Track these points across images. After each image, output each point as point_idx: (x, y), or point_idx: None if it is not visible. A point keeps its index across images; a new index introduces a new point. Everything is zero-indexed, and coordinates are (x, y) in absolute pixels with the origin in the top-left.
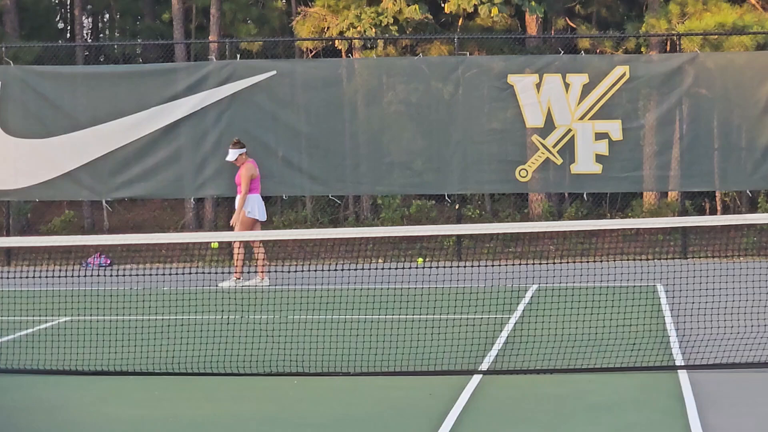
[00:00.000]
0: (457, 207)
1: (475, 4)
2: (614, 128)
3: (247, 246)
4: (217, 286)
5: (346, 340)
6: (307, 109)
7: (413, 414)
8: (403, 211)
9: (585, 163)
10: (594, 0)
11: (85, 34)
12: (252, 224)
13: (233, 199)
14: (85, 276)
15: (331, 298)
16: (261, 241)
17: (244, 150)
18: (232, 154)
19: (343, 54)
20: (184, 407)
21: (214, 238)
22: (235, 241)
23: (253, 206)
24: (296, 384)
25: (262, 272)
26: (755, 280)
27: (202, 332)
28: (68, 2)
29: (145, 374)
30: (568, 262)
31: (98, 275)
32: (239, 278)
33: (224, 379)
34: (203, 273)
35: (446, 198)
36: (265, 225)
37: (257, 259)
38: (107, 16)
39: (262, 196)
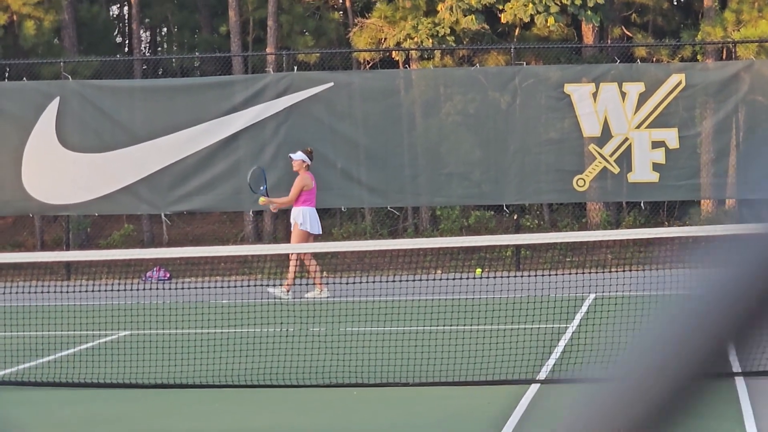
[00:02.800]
0: (515, 217)
1: (531, 14)
2: (671, 136)
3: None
4: (266, 290)
5: (404, 351)
6: (365, 120)
7: (471, 423)
8: (461, 222)
9: (642, 172)
10: (650, 8)
11: (143, 48)
12: (306, 237)
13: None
14: (144, 290)
15: (390, 310)
16: (312, 254)
17: (309, 161)
18: (298, 155)
19: (401, 65)
20: (245, 420)
21: (271, 250)
22: (292, 254)
23: (305, 219)
24: (356, 395)
25: (320, 284)
26: None
27: (261, 345)
28: (126, 16)
29: (206, 387)
30: (625, 271)
31: (158, 289)
32: (289, 290)
33: (284, 391)
34: (262, 286)
35: (504, 208)
36: (324, 237)
37: (311, 272)
38: (165, 29)
39: (318, 209)
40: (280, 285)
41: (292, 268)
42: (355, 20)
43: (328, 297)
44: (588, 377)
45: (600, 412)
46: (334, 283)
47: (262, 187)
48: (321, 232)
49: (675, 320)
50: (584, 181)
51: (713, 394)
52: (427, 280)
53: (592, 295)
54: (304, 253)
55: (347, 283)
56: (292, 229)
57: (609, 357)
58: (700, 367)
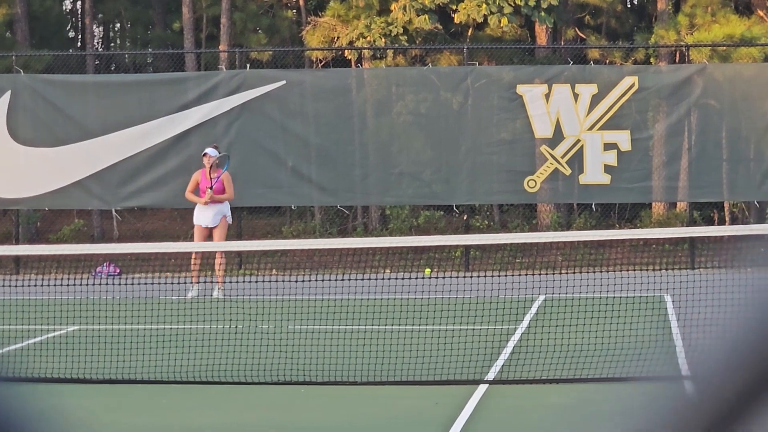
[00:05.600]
0: (465, 218)
1: (484, 15)
2: (623, 139)
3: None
4: (213, 296)
5: (353, 350)
6: (317, 119)
7: (419, 423)
8: (411, 222)
9: (594, 174)
10: (603, 11)
11: (95, 43)
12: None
13: (242, 209)
14: (94, 285)
15: (339, 308)
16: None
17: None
18: (215, 152)
19: (353, 64)
20: (192, 416)
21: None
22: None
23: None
24: (303, 393)
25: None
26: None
27: (210, 341)
28: (79, 11)
29: (154, 383)
30: (575, 273)
31: (107, 284)
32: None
33: (232, 388)
34: (212, 282)
35: (454, 209)
36: (274, 235)
37: (194, 267)
38: (118, 25)
39: (268, 207)
40: (218, 287)
41: (221, 265)
42: (308, 19)
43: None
44: (660, 377)
45: (672, 412)
46: (283, 281)
47: (216, 176)
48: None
49: (753, 324)
50: (535, 183)
51: None
52: (376, 279)
53: (542, 297)
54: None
55: (296, 281)
56: (215, 226)
57: (558, 358)
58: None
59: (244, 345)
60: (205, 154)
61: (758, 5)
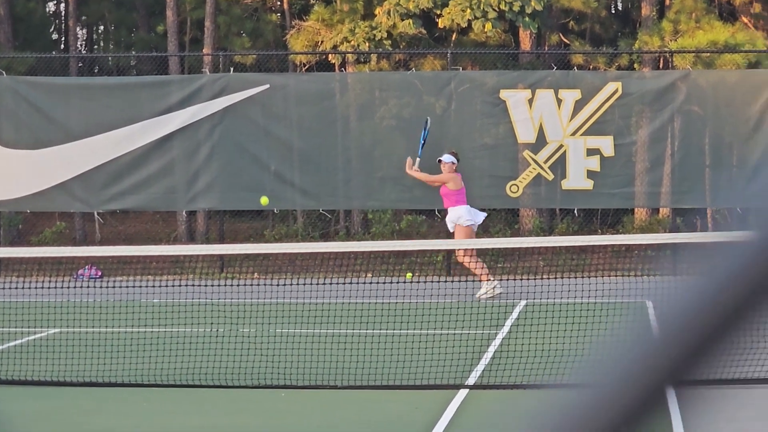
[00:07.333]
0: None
1: (468, 19)
2: (606, 144)
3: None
4: (479, 299)
5: (333, 354)
6: (300, 123)
7: (399, 427)
8: (393, 226)
9: (576, 179)
10: (588, 16)
11: (79, 46)
12: (471, 232)
13: (224, 212)
14: (75, 288)
15: (320, 312)
16: (474, 251)
17: (457, 162)
18: (448, 157)
19: (337, 68)
20: (173, 419)
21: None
22: (463, 256)
23: (464, 214)
24: (284, 396)
25: (488, 278)
26: None
27: (191, 345)
28: (62, 13)
29: (135, 386)
30: (557, 278)
31: (89, 287)
32: (489, 280)
33: (213, 392)
34: (193, 286)
35: (437, 213)
36: (256, 239)
37: (475, 270)
38: (102, 27)
39: (251, 211)
40: (481, 285)
41: (475, 268)
42: (293, 23)
43: (501, 292)
44: (563, 384)
45: (570, 418)
46: (265, 285)
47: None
48: (482, 220)
49: (646, 328)
50: (518, 187)
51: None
52: (358, 283)
53: (523, 302)
54: (466, 252)
55: (278, 285)
56: (452, 231)
57: (539, 363)
58: (670, 374)
59: (225, 348)
60: (439, 161)
61: (742, 12)
